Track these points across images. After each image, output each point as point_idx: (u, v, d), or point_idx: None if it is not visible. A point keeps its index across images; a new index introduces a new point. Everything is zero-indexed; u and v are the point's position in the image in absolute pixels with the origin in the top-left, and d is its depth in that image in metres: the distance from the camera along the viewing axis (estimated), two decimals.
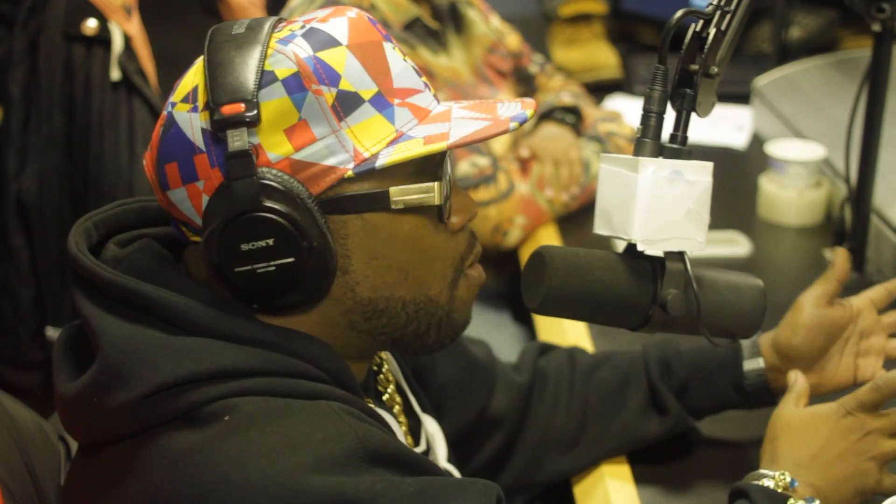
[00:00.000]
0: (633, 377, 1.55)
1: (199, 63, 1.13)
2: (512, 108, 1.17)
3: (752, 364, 1.50)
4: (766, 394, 1.51)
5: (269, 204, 1.07)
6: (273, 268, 1.08)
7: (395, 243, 1.14)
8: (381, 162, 1.10)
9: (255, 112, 1.06)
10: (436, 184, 1.13)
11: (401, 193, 1.12)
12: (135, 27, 2.35)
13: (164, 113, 1.13)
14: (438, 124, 1.13)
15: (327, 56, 1.10)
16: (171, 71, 2.40)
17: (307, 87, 1.08)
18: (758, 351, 1.50)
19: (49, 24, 2.35)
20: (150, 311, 1.09)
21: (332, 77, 1.09)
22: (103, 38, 2.32)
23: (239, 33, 1.11)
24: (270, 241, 1.08)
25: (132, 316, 1.09)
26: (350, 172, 1.09)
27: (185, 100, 1.11)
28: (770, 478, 1.29)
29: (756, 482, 1.29)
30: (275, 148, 1.08)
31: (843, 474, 1.32)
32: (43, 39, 2.35)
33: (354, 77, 1.10)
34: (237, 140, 1.06)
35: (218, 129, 1.06)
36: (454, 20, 2.47)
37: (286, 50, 1.09)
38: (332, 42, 1.11)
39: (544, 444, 1.55)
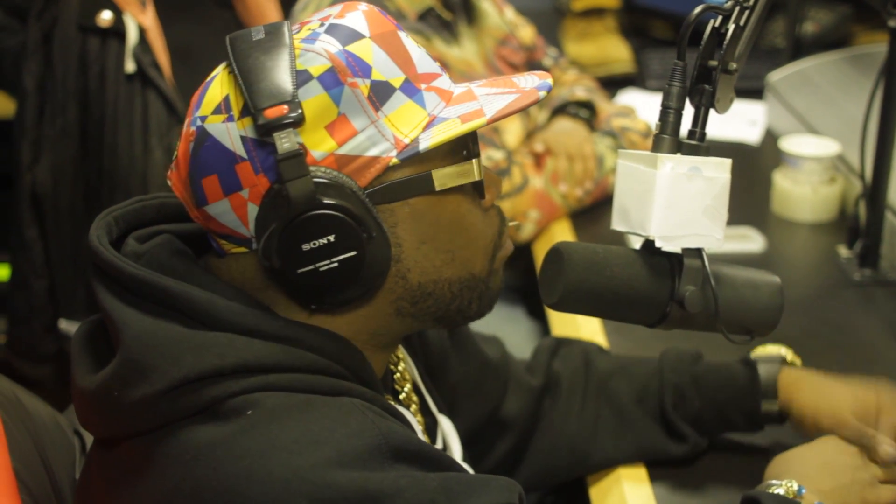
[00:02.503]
0: (648, 397, 1.53)
1: (223, 74, 1.13)
2: (530, 79, 1.18)
3: (768, 406, 1.50)
4: (778, 421, 1.51)
5: (326, 200, 1.07)
6: (336, 264, 1.09)
7: (441, 225, 1.15)
8: (423, 146, 1.11)
9: (298, 112, 1.06)
10: (474, 161, 1.16)
11: (443, 174, 1.14)
12: (149, 19, 2.35)
13: (192, 129, 1.12)
14: (467, 103, 1.15)
15: (355, 49, 1.11)
16: (186, 63, 2.42)
17: (343, 81, 1.09)
18: (775, 392, 1.49)
19: (63, 15, 2.35)
20: (172, 306, 1.09)
21: (364, 69, 1.10)
22: (118, 31, 2.32)
23: (261, 38, 1.12)
24: (332, 238, 1.08)
25: (154, 310, 1.09)
26: (395, 160, 1.11)
27: (216, 111, 1.10)
28: (779, 486, 1.32)
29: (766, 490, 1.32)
30: (318, 145, 1.08)
31: (846, 482, 1.36)
32: (57, 31, 2.35)
33: (383, 66, 1.12)
34: (286, 142, 1.06)
35: (264, 134, 1.07)
36: (467, 11, 2.47)
37: (315, 47, 1.10)
38: (356, 35, 1.12)
39: (556, 451, 1.55)
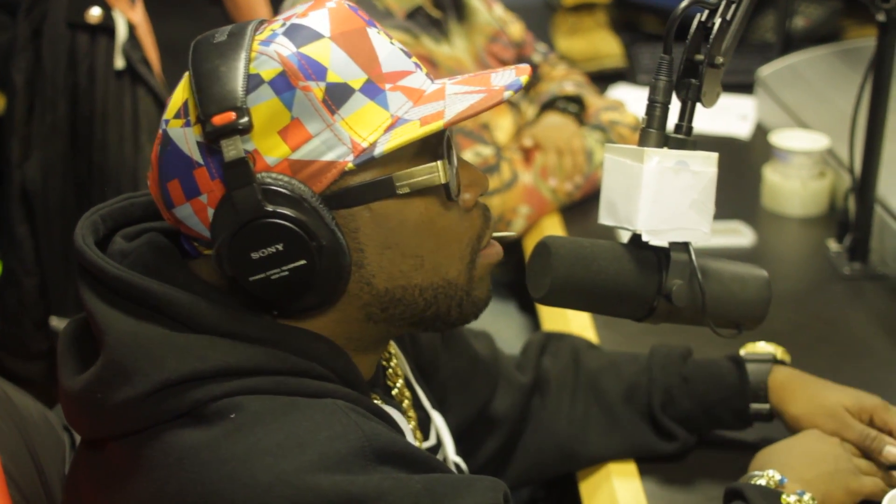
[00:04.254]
0: (637, 396, 1.53)
1: (186, 77, 1.12)
2: (506, 76, 1.15)
3: (758, 408, 1.50)
4: (767, 419, 1.52)
5: (272, 209, 1.06)
6: (287, 272, 1.07)
7: (406, 229, 1.12)
8: (379, 150, 1.09)
9: (245, 119, 1.05)
10: (438, 163, 1.12)
11: (405, 177, 1.11)
12: (139, 15, 2.34)
13: (160, 131, 1.12)
14: (433, 103, 1.12)
15: (311, 50, 1.09)
16: (175, 60, 2.41)
17: (294, 85, 1.07)
18: (765, 396, 1.49)
19: (53, 12, 2.34)
20: (156, 308, 1.09)
21: (318, 71, 1.08)
22: (107, 27, 2.31)
23: (221, 41, 1.10)
24: (280, 247, 1.07)
25: (137, 312, 1.09)
26: (350, 165, 1.08)
27: (177, 115, 1.10)
28: (761, 477, 1.33)
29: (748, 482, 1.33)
30: (271, 151, 1.07)
31: (829, 471, 1.36)
32: (46, 27, 2.34)
33: (341, 68, 1.09)
34: (231, 149, 1.05)
35: (211, 140, 1.06)
36: (456, 8, 2.47)
37: (269, 50, 1.08)
38: (315, 36, 1.10)
39: (545, 448, 1.55)
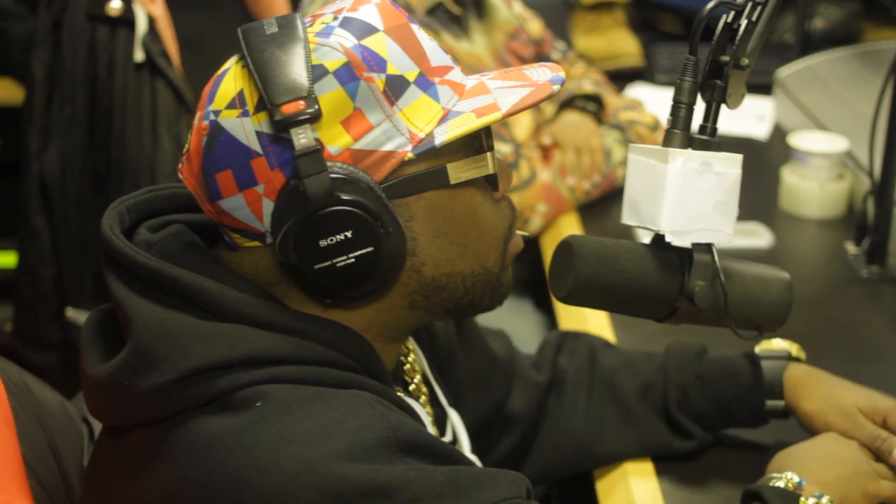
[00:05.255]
0: (653, 395, 1.54)
1: (235, 67, 1.12)
2: (542, 72, 1.18)
3: (773, 404, 1.50)
4: (782, 416, 1.52)
5: (343, 196, 1.07)
6: (353, 259, 1.09)
7: (455, 219, 1.15)
8: (439, 140, 1.11)
9: (315, 107, 1.06)
10: (488, 154, 1.15)
11: (458, 168, 1.13)
12: (159, 8, 2.35)
13: (205, 123, 1.11)
14: (481, 97, 1.15)
15: (370, 43, 1.11)
16: (195, 53, 2.41)
17: (359, 76, 1.09)
18: (781, 392, 1.50)
19: (73, 4, 2.34)
20: (183, 296, 1.09)
21: (379, 63, 1.10)
22: (127, 19, 2.31)
23: (275, 32, 1.11)
24: (349, 234, 1.08)
25: (165, 300, 1.09)
26: (410, 154, 1.11)
27: (230, 106, 1.10)
28: (779, 479, 1.32)
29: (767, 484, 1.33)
30: (334, 140, 1.08)
31: (847, 474, 1.36)
32: (67, 19, 2.35)
33: (398, 60, 1.11)
34: (303, 137, 1.06)
35: (280, 130, 1.06)
36: (476, 5, 2.47)
37: (330, 42, 1.10)
38: (371, 29, 1.12)
39: (561, 446, 1.55)
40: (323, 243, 1.08)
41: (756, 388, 1.50)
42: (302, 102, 1.06)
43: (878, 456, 1.42)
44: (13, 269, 2.58)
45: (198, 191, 1.15)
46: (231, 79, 1.12)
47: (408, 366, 1.33)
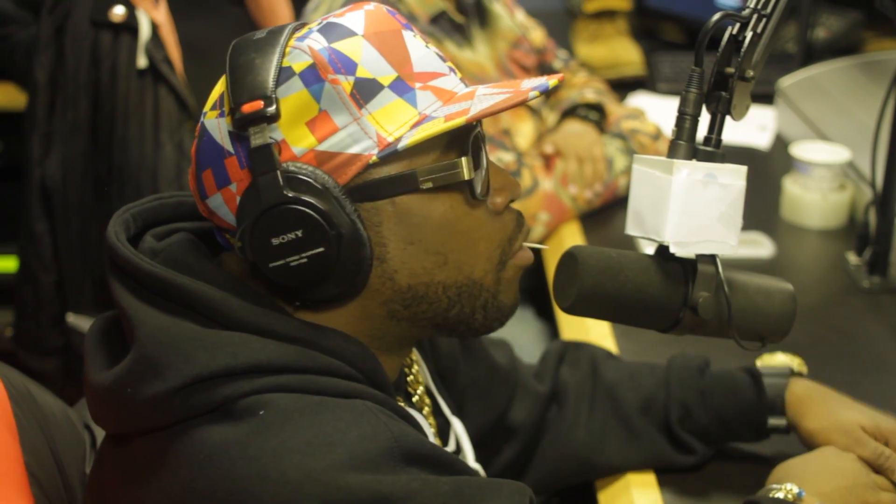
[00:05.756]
0: (655, 409, 1.53)
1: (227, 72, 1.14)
2: (534, 81, 1.17)
3: (775, 422, 1.50)
4: (785, 432, 1.51)
5: (293, 195, 1.07)
6: (305, 259, 1.09)
7: (429, 226, 1.14)
8: (403, 143, 1.10)
9: (273, 107, 1.07)
10: (463, 159, 1.13)
11: (428, 172, 1.12)
12: (162, 15, 2.35)
13: (198, 125, 1.15)
14: (462, 103, 1.13)
15: (342, 46, 1.11)
16: (197, 59, 2.41)
17: (324, 78, 1.09)
18: (782, 409, 1.49)
19: (76, 9, 2.34)
20: (188, 304, 1.10)
21: (348, 65, 1.10)
22: (130, 25, 2.32)
23: (260, 38, 1.13)
24: (299, 233, 1.08)
25: (169, 308, 1.10)
26: (374, 158, 1.10)
27: (213, 107, 1.13)
28: (779, 490, 1.32)
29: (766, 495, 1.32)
30: (299, 142, 1.09)
31: (847, 485, 1.35)
32: (70, 25, 2.35)
33: (371, 64, 1.11)
34: (258, 136, 1.07)
35: (240, 128, 1.08)
36: (479, 14, 2.47)
37: (302, 45, 1.11)
38: (348, 33, 1.12)
39: (563, 458, 1.55)
40: (275, 241, 1.09)
41: (758, 406, 1.49)
42: (261, 102, 1.07)
43: (882, 473, 1.41)
44: (14, 274, 2.58)
45: (194, 190, 1.17)
46: (220, 82, 1.15)
47: (411, 377, 1.33)
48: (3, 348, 2.61)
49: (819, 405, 1.47)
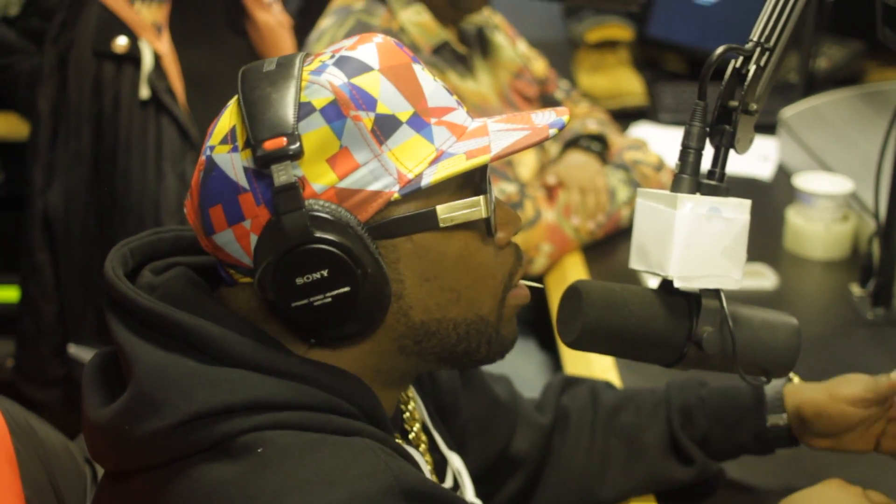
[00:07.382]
0: (655, 422, 1.53)
1: (233, 104, 1.13)
2: (547, 116, 1.17)
3: (775, 419, 1.49)
4: (788, 442, 1.51)
5: (319, 235, 1.06)
6: (329, 299, 1.08)
7: (446, 263, 1.13)
8: (426, 181, 1.09)
9: (297, 144, 1.06)
10: (481, 197, 1.13)
11: (448, 210, 1.12)
12: (165, 45, 2.36)
13: (202, 158, 1.12)
14: (478, 139, 1.13)
15: (361, 81, 1.10)
16: (200, 90, 2.42)
17: (346, 114, 1.08)
18: (781, 404, 1.49)
19: (79, 40, 2.35)
20: (185, 340, 1.09)
21: (368, 102, 1.09)
22: (133, 56, 2.32)
23: (271, 70, 1.11)
24: (325, 273, 1.07)
25: (167, 344, 1.09)
26: (396, 195, 1.09)
27: (223, 141, 1.11)
28: None
29: None
30: (319, 178, 1.08)
31: None
32: (73, 56, 2.36)
33: (390, 100, 1.10)
34: (282, 174, 1.06)
35: (262, 165, 1.06)
36: (481, 45, 2.47)
37: (320, 80, 1.09)
38: (365, 67, 1.11)
39: (565, 484, 1.54)
40: (299, 281, 1.07)
41: (758, 408, 1.49)
42: (284, 139, 1.06)
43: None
44: (16, 304, 2.58)
45: (196, 225, 1.15)
46: (227, 115, 1.13)
47: (407, 414, 1.32)
48: (4, 378, 2.61)
49: (817, 385, 1.49)
